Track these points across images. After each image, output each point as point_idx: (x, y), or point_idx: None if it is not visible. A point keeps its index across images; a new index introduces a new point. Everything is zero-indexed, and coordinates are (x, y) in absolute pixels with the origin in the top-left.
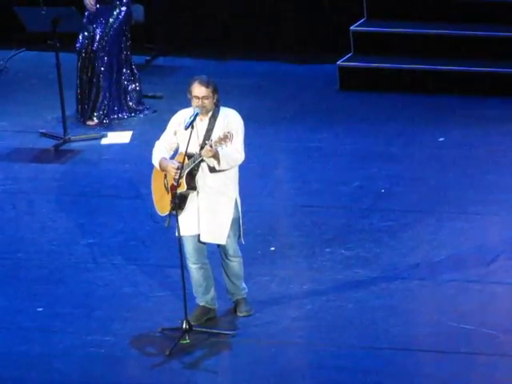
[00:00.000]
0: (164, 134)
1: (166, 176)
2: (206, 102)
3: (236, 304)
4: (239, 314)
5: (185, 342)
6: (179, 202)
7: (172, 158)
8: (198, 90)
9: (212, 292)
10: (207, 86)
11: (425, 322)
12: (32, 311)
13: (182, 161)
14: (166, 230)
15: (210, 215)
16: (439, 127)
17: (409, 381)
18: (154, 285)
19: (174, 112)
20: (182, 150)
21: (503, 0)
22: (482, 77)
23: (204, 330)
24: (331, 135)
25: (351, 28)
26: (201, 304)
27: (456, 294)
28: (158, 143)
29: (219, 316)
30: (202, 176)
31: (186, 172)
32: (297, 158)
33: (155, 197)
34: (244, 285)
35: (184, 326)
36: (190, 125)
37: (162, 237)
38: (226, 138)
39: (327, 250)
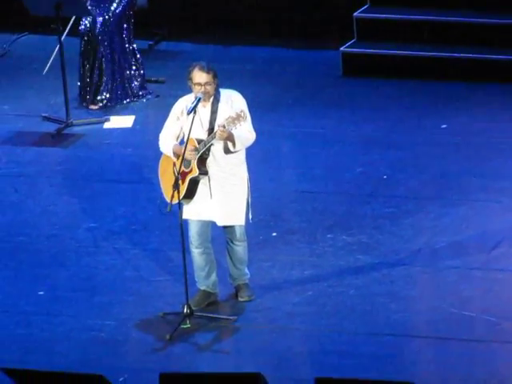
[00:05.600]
0: (167, 123)
1: (175, 164)
2: (208, 87)
3: (237, 289)
4: (240, 299)
5: (186, 326)
6: (190, 189)
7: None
8: (200, 76)
9: (214, 277)
10: (208, 72)
11: (426, 309)
12: (33, 295)
13: (192, 145)
14: (168, 215)
15: (225, 198)
16: (442, 114)
17: (409, 367)
18: (156, 269)
19: (176, 97)
20: (189, 136)
21: None
22: (485, 63)
23: (205, 314)
24: (334, 121)
25: (354, 14)
26: (202, 288)
27: (457, 280)
28: (162, 134)
29: (220, 301)
30: (213, 160)
31: (197, 157)
32: (299, 144)
33: (164, 184)
34: (247, 270)
35: (185, 310)
36: (193, 110)
37: (163, 221)
38: (239, 117)
39: (329, 235)
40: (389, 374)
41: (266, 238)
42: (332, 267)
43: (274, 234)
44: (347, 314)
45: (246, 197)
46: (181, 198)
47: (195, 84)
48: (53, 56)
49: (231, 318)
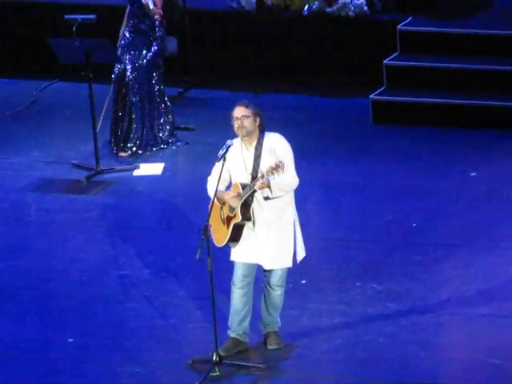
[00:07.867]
0: (214, 167)
1: (222, 208)
2: (245, 121)
3: (266, 336)
4: (269, 346)
5: (215, 374)
6: (234, 233)
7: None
8: (237, 110)
9: (247, 323)
10: (246, 107)
11: (455, 357)
12: (62, 342)
13: (236, 191)
14: (197, 262)
15: (271, 242)
16: (471, 162)
17: None
18: (185, 317)
19: (205, 144)
20: (235, 180)
21: None
22: None
23: (234, 362)
24: (363, 169)
25: (384, 62)
26: (232, 336)
27: (487, 328)
28: (210, 177)
29: (250, 348)
30: (258, 206)
31: (241, 202)
32: (329, 191)
33: (212, 228)
34: (279, 318)
35: (214, 358)
36: (222, 157)
37: (193, 269)
38: (277, 167)
39: (358, 283)
40: None
41: (295, 285)
42: (361, 315)
43: (303, 282)
44: (376, 362)
45: (292, 239)
46: (226, 241)
47: (233, 118)
48: (105, 107)
49: (260, 365)
